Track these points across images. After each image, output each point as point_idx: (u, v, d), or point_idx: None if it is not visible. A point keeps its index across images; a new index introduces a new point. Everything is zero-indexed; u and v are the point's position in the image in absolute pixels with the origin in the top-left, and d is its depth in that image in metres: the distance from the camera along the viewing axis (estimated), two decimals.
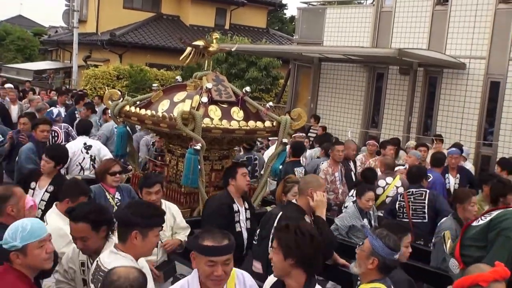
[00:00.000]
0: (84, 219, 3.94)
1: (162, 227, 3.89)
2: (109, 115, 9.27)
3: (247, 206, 6.04)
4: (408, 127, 15.40)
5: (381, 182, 8.18)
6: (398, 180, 8.29)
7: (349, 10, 18.64)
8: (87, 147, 8.17)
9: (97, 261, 3.68)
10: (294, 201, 5.28)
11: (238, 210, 5.86)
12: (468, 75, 14.82)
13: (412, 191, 7.29)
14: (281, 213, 5.01)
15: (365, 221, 6.59)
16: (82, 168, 8.06)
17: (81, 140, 8.30)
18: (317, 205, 4.96)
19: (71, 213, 4.04)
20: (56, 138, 9.33)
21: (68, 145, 7.98)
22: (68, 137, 9.40)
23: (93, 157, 8.13)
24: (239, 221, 5.83)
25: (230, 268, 3.26)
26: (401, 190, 8.03)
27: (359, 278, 3.93)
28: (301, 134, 11.31)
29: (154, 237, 3.74)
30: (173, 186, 6.91)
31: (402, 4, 16.50)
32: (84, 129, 8.62)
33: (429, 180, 8.04)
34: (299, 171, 8.58)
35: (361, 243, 3.96)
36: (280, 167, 7.37)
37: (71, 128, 10.03)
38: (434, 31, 15.69)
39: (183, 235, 5.52)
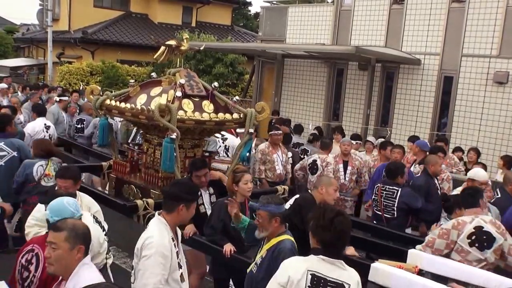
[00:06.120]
0: None
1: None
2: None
3: (211, 192, 6.65)
4: (367, 119, 15.58)
5: None
6: None
7: (310, 9, 18.78)
8: (47, 127, 9.75)
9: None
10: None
11: (201, 193, 6.43)
12: (423, 70, 15.23)
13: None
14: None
15: None
16: None
17: (41, 120, 9.79)
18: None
19: None
20: None
21: (31, 124, 9.73)
22: None
23: (50, 136, 9.58)
24: (203, 203, 6.41)
25: None
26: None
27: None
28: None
29: (193, 209, 4.46)
30: (151, 171, 7.38)
31: (361, 3, 16.74)
32: (41, 111, 10.09)
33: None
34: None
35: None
36: (248, 154, 7.89)
37: None
38: (391, 28, 15.97)
39: None
